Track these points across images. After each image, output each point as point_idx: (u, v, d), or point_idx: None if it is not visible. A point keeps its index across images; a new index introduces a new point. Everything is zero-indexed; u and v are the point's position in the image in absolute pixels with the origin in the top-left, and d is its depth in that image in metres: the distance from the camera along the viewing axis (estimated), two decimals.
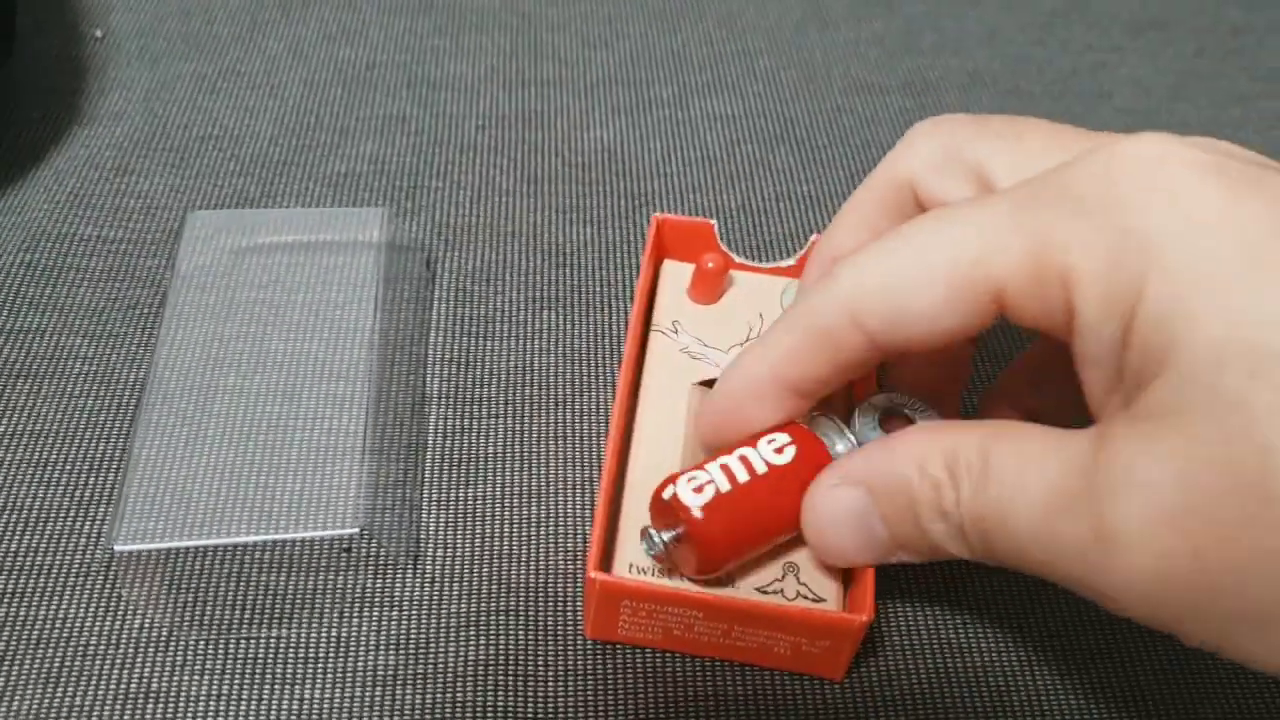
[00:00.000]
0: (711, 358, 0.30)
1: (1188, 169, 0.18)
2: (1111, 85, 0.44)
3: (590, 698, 0.25)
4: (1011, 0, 0.48)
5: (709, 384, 0.29)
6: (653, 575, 0.26)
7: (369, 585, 0.27)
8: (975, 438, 0.20)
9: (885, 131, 0.41)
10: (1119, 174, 0.19)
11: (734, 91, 0.42)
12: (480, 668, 0.26)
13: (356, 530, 0.25)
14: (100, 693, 0.25)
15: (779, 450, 0.25)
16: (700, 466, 0.25)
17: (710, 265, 0.30)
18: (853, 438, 0.25)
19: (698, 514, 0.24)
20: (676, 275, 0.32)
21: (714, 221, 0.31)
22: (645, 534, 0.25)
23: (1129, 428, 0.18)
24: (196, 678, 0.25)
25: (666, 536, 0.25)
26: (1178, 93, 0.44)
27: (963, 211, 0.21)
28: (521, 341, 0.33)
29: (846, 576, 0.26)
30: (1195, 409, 0.17)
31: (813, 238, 0.30)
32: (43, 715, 0.24)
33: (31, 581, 0.26)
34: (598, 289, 0.34)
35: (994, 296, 0.20)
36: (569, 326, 0.33)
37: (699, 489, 0.24)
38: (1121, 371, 0.18)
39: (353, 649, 0.26)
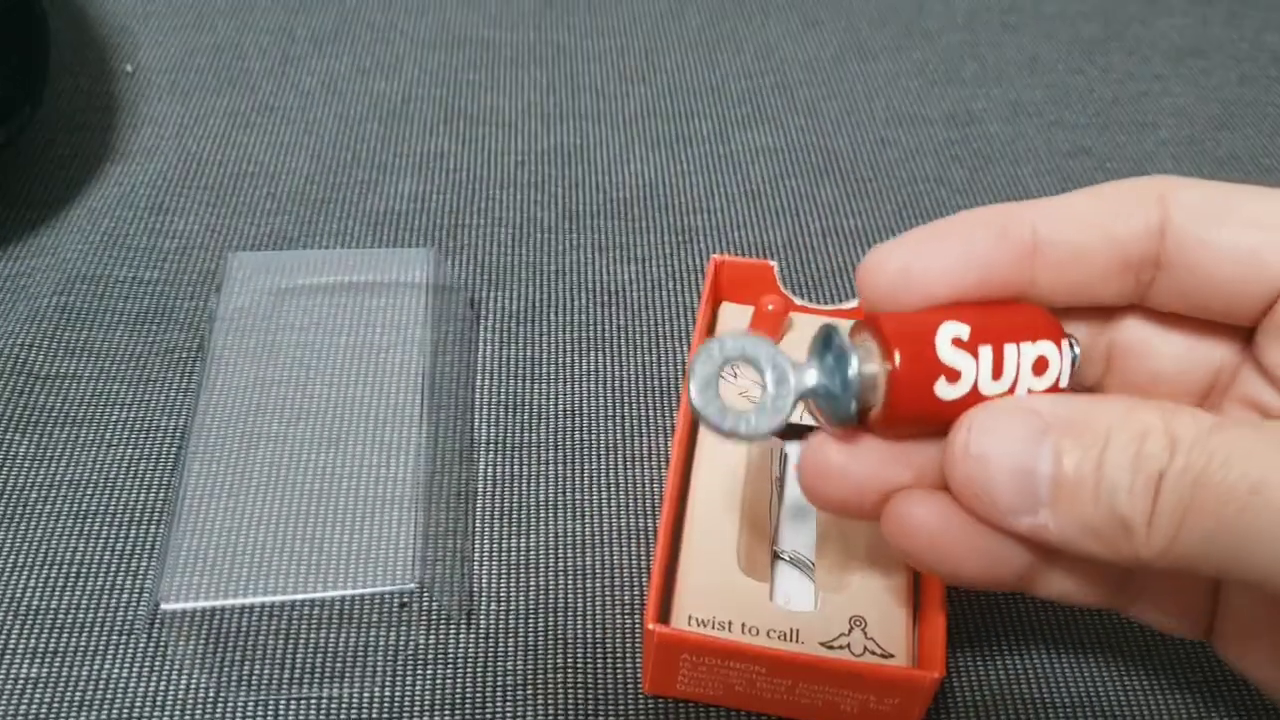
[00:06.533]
0: None
1: None
2: (1156, 115, 0.44)
3: None
4: (1050, 28, 0.48)
5: None
6: (712, 628, 0.25)
7: (421, 642, 0.26)
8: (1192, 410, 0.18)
9: (930, 164, 0.40)
10: None
11: (775, 124, 0.41)
12: None
13: (415, 586, 0.24)
14: None
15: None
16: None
17: (770, 308, 0.29)
18: None
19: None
20: (735, 318, 0.31)
21: (774, 263, 0.30)
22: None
23: None
24: None
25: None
26: (1223, 122, 0.44)
27: None
28: (569, 384, 0.32)
29: (915, 631, 0.25)
30: None
31: None
32: None
33: (73, 640, 0.26)
34: (645, 329, 0.33)
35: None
36: (617, 368, 0.32)
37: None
38: None
39: (406, 709, 0.25)
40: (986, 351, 0.19)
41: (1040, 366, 0.19)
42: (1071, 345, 0.20)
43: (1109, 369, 0.22)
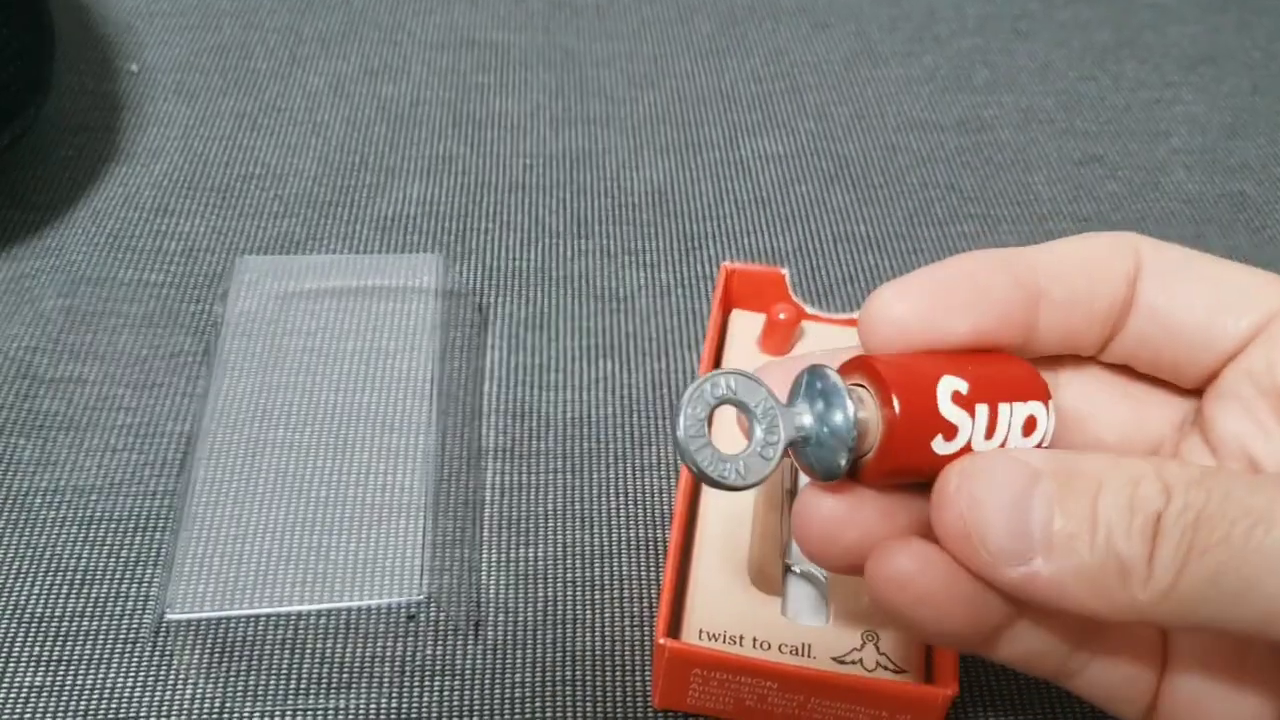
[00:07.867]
0: None
1: None
2: (1168, 123, 0.43)
3: None
4: (1062, 35, 0.48)
5: None
6: (723, 643, 0.25)
7: (429, 653, 0.26)
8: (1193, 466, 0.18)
9: (941, 170, 0.40)
10: None
11: (785, 130, 0.41)
12: None
13: (422, 597, 0.24)
14: None
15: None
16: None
17: (782, 316, 0.29)
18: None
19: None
20: (746, 326, 0.31)
21: (785, 270, 0.30)
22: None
23: None
24: None
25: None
26: (1235, 130, 0.43)
27: None
28: (578, 392, 0.31)
29: (929, 647, 0.25)
30: None
31: None
32: None
33: (77, 648, 0.25)
34: (654, 336, 0.33)
35: None
36: (626, 376, 0.32)
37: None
38: None
39: None
40: (983, 410, 0.18)
41: (1029, 427, 0.18)
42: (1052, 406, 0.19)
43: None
